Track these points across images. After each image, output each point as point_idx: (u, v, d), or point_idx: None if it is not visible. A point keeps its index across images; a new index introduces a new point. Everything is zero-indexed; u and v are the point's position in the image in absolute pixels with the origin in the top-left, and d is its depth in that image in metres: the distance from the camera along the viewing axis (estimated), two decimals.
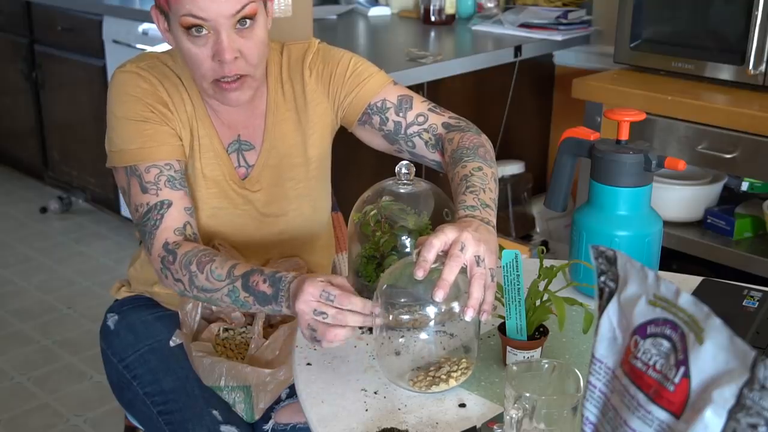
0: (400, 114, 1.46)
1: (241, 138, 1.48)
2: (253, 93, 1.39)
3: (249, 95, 1.38)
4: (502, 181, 2.98)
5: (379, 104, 1.47)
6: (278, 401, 1.44)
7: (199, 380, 1.44)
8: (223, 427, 1.38)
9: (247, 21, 1.32)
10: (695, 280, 1.42)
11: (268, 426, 1.42)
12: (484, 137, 1.42)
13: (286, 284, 1.20)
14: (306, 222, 1.56)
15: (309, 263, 1.59)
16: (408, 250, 1.28)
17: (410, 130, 1.46)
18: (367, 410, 1.10)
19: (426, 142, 1.46)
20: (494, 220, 1.22)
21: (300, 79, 1.49)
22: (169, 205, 1.35)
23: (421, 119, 1.45)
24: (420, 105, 1.46)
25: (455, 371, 1.13)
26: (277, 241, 1.54)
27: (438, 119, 1.45)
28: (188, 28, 1.30)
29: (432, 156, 1.47)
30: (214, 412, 1.40)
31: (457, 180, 1.32)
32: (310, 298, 1.13)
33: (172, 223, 1.35)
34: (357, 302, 1.13)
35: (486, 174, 1.31)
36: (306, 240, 1.58)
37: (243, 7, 1.30)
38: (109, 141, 1.42)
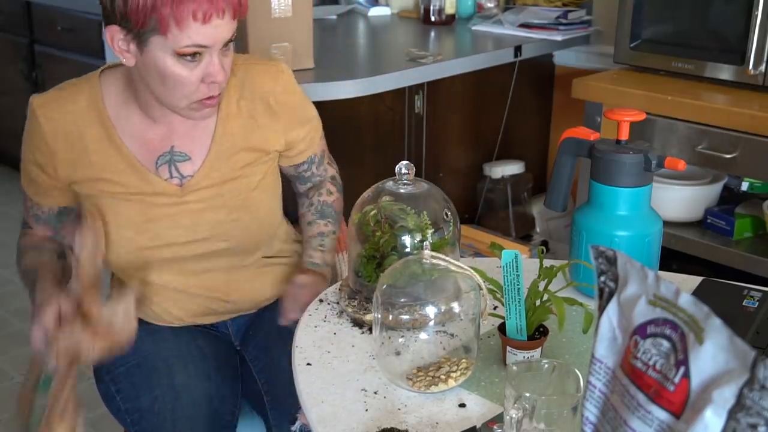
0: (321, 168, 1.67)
1: (175, 149, 1.47)
2: None
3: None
4: (502, 181, 2.98)
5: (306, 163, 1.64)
6: None
7: (174, 400, 1.44)
8: None
9: (231, 42, 1.37)
10: (695, 280, 1.42)
11: (295, 427, 1.42)
12: None
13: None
14: (246, 232, 1.54)
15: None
16: (408, 250, 1.28)
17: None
18: (367, 410, 1.10)
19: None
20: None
21: (262, 101, 1.51)
22: (31, 228, 1.60)
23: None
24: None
25: (455, 371, 1.14)
26: (215, 251, 1.52)
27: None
28: (185, 54, 1.32)
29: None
30: None
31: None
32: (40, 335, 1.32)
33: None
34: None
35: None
36: (249, 249, 1.57)
37: (233, 30, 1.36)
38: None
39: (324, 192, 1.67)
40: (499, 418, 1.07)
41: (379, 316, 1.15)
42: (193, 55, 1.32)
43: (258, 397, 1.55)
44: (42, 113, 1.44)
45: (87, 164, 1.45)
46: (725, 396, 0.67)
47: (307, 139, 1.59)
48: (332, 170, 1.70)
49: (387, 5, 3.40)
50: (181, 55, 1.32)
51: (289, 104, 1.55)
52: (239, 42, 2.23)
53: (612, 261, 0.80)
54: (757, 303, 1.33)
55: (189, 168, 1.48)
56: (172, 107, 1.40)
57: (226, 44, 1.35)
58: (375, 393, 1.14)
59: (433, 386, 1.12)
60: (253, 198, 1.53)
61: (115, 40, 1.34)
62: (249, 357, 1.60)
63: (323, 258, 1.59)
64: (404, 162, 1.31)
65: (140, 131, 1.46)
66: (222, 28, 1.32)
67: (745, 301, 1.34)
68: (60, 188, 1.49)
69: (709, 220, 2.40)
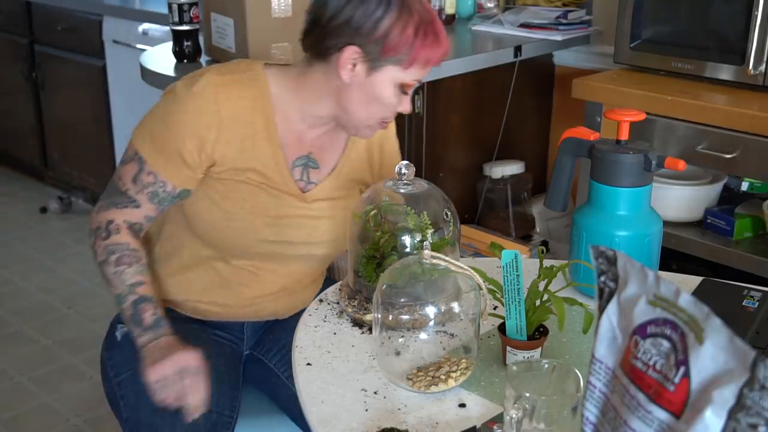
0: None
1: (311, 155, 1.53)
2: None
3: None
4: (502, 181, 2.98)
5: None
6: None
7: (173, 414, 1.42)
8: None
9: None
10: (695, 280, 1.42)
11: None
12: None
13: (161, 332, 1.43)
14: (339, 247, 1.59)
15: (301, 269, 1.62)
16: (408, 250, 1.28)
17: None
18: (367, 410, 1.10)
19: None
20: None
21: (376, 143, 1.60)
22: (137, 206, 1.48)
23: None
24: None
25: (455, 371, 1.14)
26: (311, 255, 1.56)
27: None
28: (406, 86, 1.40)
29: None
30: None
31: None
32: (168, 371, 1.38)
33: (127, 216, 1.49)
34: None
35: None
36: (327, 262, 1.65)
37: None
38: (145, 118, 1.49)
39: None
40: (499, 418, 1.07)
41: (379, 316, 1.15)
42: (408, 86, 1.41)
43: (293, 401, 1.52)
44: (222, 92, 1.43)
45: (245, 151, 1.46)
46: (725, 396, 0.67)
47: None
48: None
49: None
50: (402, 86, 1.40)
51: (388, 152, 1.62)
52: (240, 42, 2.23)
53: (612, 261, 0.80)
54: (757, 303, 1.33)
55: (316, 175, 1.53)
56: (353, 122, 1.45)
57: None
58: (375, 393, 1.14)
59: (433, 386, 1.12)
60: (349, 219, 1.56)
61: (347, 57, 1.37)
62: (272, 364, 1.61)
63: None
64: (404, 162, 1.31)
65: (292, 132, 1.50)
66: None
67: (745, 301, 1.34)
68: (203, 169, 1.46)
69: (709, 220, 2.40)
